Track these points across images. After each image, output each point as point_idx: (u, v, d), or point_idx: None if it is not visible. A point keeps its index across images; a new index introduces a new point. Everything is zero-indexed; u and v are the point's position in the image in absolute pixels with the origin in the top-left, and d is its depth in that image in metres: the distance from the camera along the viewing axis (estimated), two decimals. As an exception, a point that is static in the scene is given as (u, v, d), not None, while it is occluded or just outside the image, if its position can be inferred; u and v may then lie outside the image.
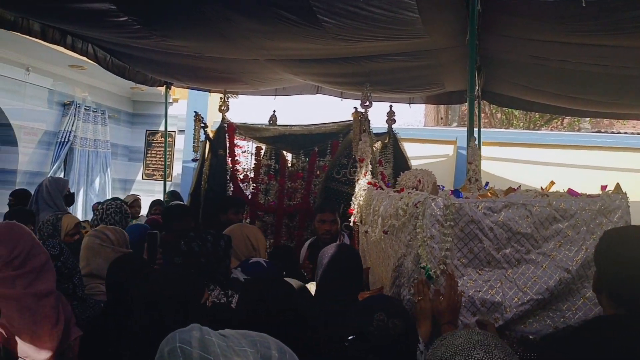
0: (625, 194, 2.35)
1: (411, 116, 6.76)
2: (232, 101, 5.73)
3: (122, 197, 8.36)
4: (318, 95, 6.62)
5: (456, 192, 2.38)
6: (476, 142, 3.27)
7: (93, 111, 9.28)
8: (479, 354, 1.28)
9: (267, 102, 6.62)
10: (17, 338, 1.97)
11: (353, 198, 3.46)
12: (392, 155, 5.31)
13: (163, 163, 7.74)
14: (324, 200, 4.70)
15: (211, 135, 5.45)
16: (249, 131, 5.51)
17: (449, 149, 8.14)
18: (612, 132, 10.99)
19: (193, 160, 5.48)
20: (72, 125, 8.74)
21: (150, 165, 10.61)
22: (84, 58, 5.43)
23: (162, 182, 7.84)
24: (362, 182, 3.47)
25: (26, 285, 2.02)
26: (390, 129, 5.48)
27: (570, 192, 2.44)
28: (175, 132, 10.05)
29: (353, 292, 2.48)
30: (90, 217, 5.91)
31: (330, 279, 2.49)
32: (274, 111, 5.90)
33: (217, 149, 5.32)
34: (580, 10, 2.88)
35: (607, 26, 3.26)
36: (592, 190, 2.50)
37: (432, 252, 2.21)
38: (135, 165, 10.69)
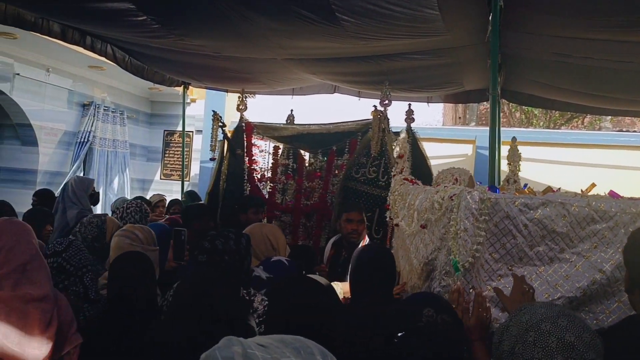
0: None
1: (429, 115, 6.72)
2: (249, 101, 5.72)
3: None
4: (335, 94, 6.60)
5: (492, 188, 2.36)
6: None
7: (112, 111, 9.35)
8: (546, 325, 1.39)
9: (284, 101, 6.61)
10: (3, 345, 1.81)
11: (389, 193, 3.40)
12: (411, 154, 5.23)
13: (181, 163, 7.77)
14: (344, 200, 4.65)
15: (229, 134, 5.45)
16: (267, 130, 5.50)
17: (468, 149, 8.06)
18: (635, 131, 10.81)
19: (211, 159, 5.48)
20: (92, 126, 8.81)
21: (168, 165, 10.65)
22: (103, 58, 5.47)
23: (180, 182, 7.87)
24: (399, 178, 3.42)
25: (13, 285, 1.90)
26: (409, 127, 5.42)
27: (612, 194, 2.40)
28: (192, 132, 10.08)
29: (390, 290, 2.50)
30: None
31: (369, 277, 2.49)
32: (292, 110, 5.88)
33: (235, 148, 5.32)
34: (606, 5, 2.82)
35: (634, 22, 3.19)
36: (615, 189, 2.46)
37: (464, 245, 2.20)
38: (153, 166, 10.74)
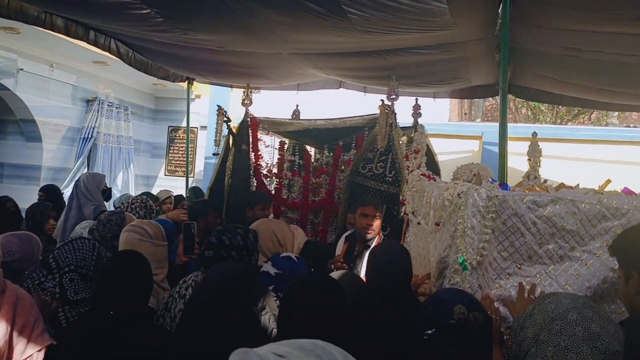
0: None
1: (435, 112, 6.67)
2: (254, 96, 5.68)
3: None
4: (341, 89, 6.55)
5: (503, 185, 2.32)
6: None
7: (116, 107, 9.33)
8: (572, 315, 1.40)
9: (289, 97, 6.56)
10: None
11: (406, 189, 3.36)
12: (419, 149, 5.20)
13: (185, 159, 7.74)
14: (351, 195, 4.60)
15: (234, 130, 5.41)
16: (273, 125, 5.45)
17: (475, 145, 8.01)
18: (642, 127, 10.73)
19: (214, 154, 5.43)
20: (96, 122, 8.80)
21: (173, 162, 10.63)
22: (107, 54, 5.44)
23: (185, 178, 7.84)
24: (416, 173, 3.38)
25: None
26: (416, 122, 5.37)
27: (626, 190, 2.35)
28: (197, 128, 10.04)
29: (408, 288, 2.51)
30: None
31: (388, 276, 2.47)
32: (297, 105, 5.83)
33: (241, 143, 5.27)
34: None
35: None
36: (622, 185, 2.44)
37: (471, 243, 2.17)
38: (157, 162, 10.71)
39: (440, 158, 5.30)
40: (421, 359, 1.69)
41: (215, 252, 2.52)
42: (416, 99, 5.52)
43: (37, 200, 5.98)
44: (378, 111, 4.52)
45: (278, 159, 5.47)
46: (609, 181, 2.64)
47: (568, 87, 5.61)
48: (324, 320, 1.83)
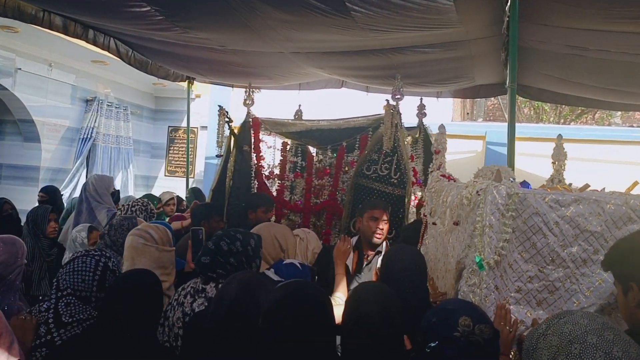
0: None
1: (438, 112, 6.60)
2: (255, 96, 5.60)
3: (143, 194, 8.35)
4: (343, 89, 6.49)
5: (524, 184, 2.25)
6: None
7: (115, 107, 9.27)
8: (592, 338, 1.33)
9: (291, 97, 6.49)
10: None
11: (425, 190, 3.27)
12: (423, 150, 5.13)
13: (185, 160, 7.68)
14: (355, 197, 4.51)
15: (236, 130, 5.33)
16: (275, 126, 5.36)
17: (478, 145, 7.94)
18: (645, 127, 10.67)
19: (217, 156, 5.34)
20: (95, 122, 8.73)
21: (173, 162, 10.57)
22: (107, 53, 5.40)
23: (185, 179, 7.78)
24: (436, 174, 3.30)
25: None
26: (420, 123, 5.30)
27: None
28: (197, 128, 9.98)
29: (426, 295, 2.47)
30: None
31: (407, 284, 2.44)
32: (300, 106, 5.76)
33: (242, 144, 5.19)
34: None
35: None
36: (626, 186, 2.36)
37: (490, 242, 2.11)
38: (157, 162, 10.65)
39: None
40: None
41: (211, 258, 2.44)
42: (421, 99, 5.46)
43: (37, 201, 5.95)
44: (381, 111, 4.45)
45: (280, 160, 5.38)
46: (636, 183, 2.55)
47: (573, 86, 5.56)
48: (305, 330, 1.74)
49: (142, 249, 2.90)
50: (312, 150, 5.43)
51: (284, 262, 2.90)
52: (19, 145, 8.04)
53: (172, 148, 10.58)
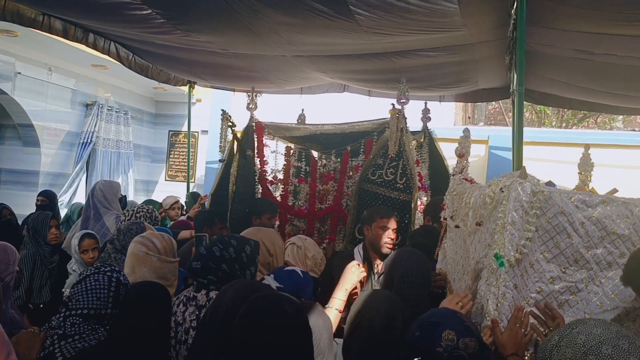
0: None
1: (440, 116, 6.55)
2: (258, 100, 5.55)
3: (144, 199, 8.32)
4: (345, 93, 6.44)
5: (549, 183, 2.19)
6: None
7: (116, 111, 9.23)
8: (607, 349, 1.30)
9: (292, 101, 6.45)
10: None
11: (447, 193, 3.21)
12: (428, 154, 5.09)
13: (186, 164, 7.63)
14: (359, 203, 4.45)
15: (238, 135, 5.28)
16: (278, 130, 5.31)
17: (481, 149, 7.88)
18: (647, 131, 10.64)
19: (220, 161, 5.28)
20: (95, 126, 8.69)
21: (174, 167, 10.52)
22: (107, 57, 5.37)
23: (186, 183, 7.73)
24: (458, 177, 3.25)
25: None
26: (425, 127, 5.25)
27: None
28: (198, 132, 9.93)
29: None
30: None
31: (411, 287, 2.42)
32: (303, 110, 5.71)
33: (245, 149, 5.13)
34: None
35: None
36: (630, 190, 2.31)
37: (511, 239, 2.05)
38: (158, 167, 10.61)
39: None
40: None
41: (202, 264, 2.37)
42: (425, 103, 5.42)
43: (35, 205, 5.91)
44: (384, 115, 4.41)
45: (284, 165, 5.32)
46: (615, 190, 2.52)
47: (577, 90, 5.52)
48: (276, 347, 1.62)
49: (143, 258, 2.84)
50: (316, 154, 5.38)
51: (285, 268, 2.84)
52: (18, 150, 8.00)
53: (172, 153, 10.54)
